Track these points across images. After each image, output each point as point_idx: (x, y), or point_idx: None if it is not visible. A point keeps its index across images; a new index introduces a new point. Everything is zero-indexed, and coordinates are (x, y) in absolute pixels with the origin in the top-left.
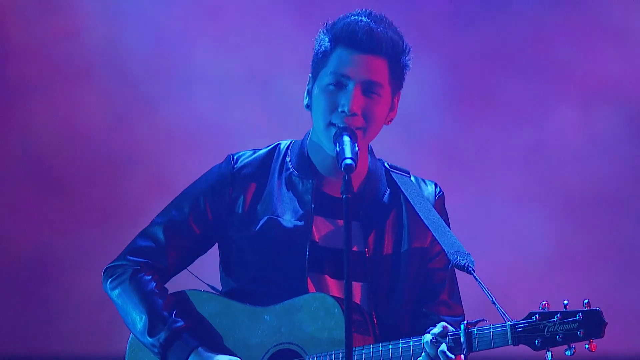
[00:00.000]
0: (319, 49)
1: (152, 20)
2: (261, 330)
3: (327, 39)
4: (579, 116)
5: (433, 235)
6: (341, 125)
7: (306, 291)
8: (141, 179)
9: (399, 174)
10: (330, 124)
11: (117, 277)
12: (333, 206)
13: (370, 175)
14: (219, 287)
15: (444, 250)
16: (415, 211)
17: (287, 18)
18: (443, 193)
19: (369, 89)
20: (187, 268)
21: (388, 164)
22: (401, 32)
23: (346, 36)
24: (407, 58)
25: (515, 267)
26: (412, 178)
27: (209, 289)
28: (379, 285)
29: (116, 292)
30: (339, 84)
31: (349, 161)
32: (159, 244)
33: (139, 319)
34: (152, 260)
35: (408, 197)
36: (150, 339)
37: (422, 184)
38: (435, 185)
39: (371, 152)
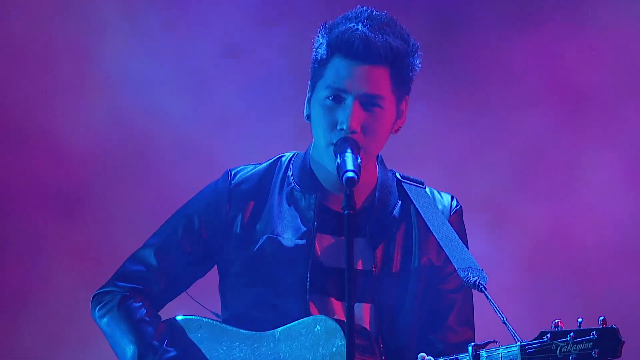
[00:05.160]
0: (315, 56)
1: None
2: (259, 357)
3: (324, 45)
4: None
5: (444, 251)
6: None
7: (308, 315)
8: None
9: (412, 184)
10: (331, 144)
11: (105, 305)
12: (338, 223)
13: (379, 187)
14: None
15: (455, 267)
16: (427, 225)
17: None
18: (461, 207)
19: (369, 102)
20: (187, 292)
21: (400, 174)
22: (406, 32)
23: (342, 45)
24: (413, 59)
25: (531, 284)
26: (427, 190)
27: (212, 316)
28: (386, 307)
29: (104, 320)
30: (337, 98)
31: (350, 174)
32: (151, 268)
33: (127, 349)
34: (142, 285)
35: (419, 210)
36: None
37: (438, 196)
38: (452, 197)
39: (381, 163)
